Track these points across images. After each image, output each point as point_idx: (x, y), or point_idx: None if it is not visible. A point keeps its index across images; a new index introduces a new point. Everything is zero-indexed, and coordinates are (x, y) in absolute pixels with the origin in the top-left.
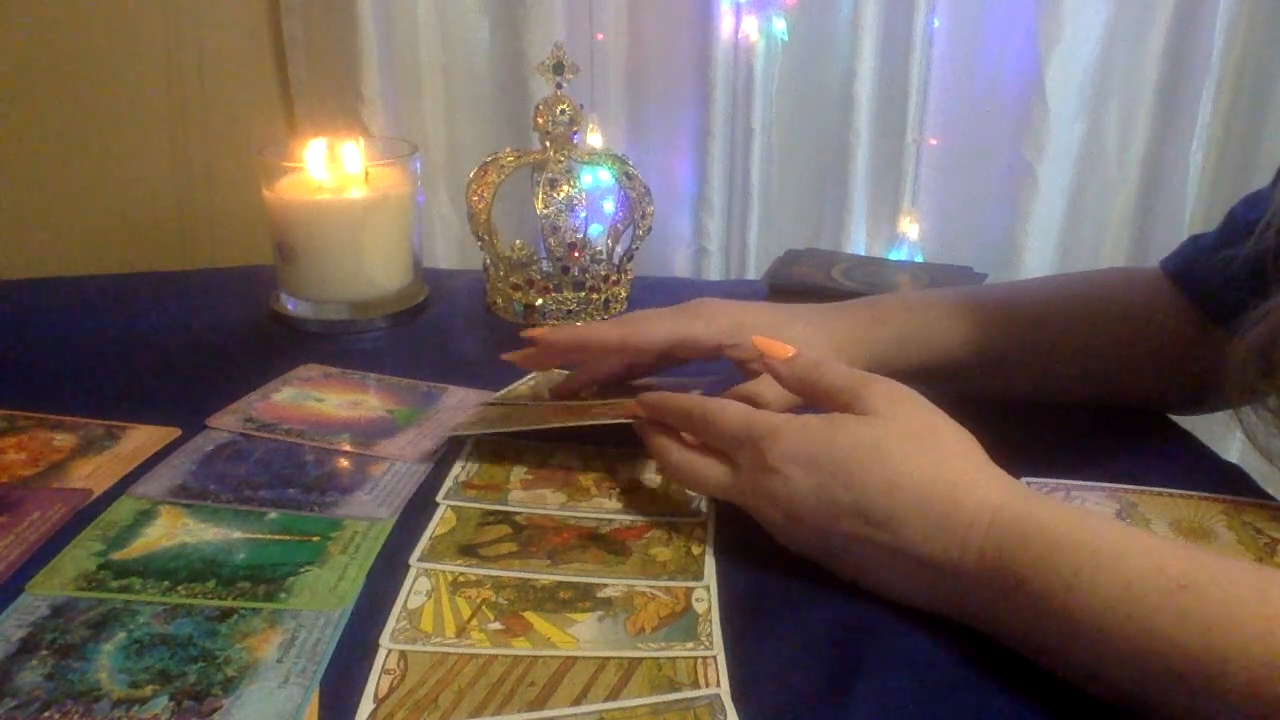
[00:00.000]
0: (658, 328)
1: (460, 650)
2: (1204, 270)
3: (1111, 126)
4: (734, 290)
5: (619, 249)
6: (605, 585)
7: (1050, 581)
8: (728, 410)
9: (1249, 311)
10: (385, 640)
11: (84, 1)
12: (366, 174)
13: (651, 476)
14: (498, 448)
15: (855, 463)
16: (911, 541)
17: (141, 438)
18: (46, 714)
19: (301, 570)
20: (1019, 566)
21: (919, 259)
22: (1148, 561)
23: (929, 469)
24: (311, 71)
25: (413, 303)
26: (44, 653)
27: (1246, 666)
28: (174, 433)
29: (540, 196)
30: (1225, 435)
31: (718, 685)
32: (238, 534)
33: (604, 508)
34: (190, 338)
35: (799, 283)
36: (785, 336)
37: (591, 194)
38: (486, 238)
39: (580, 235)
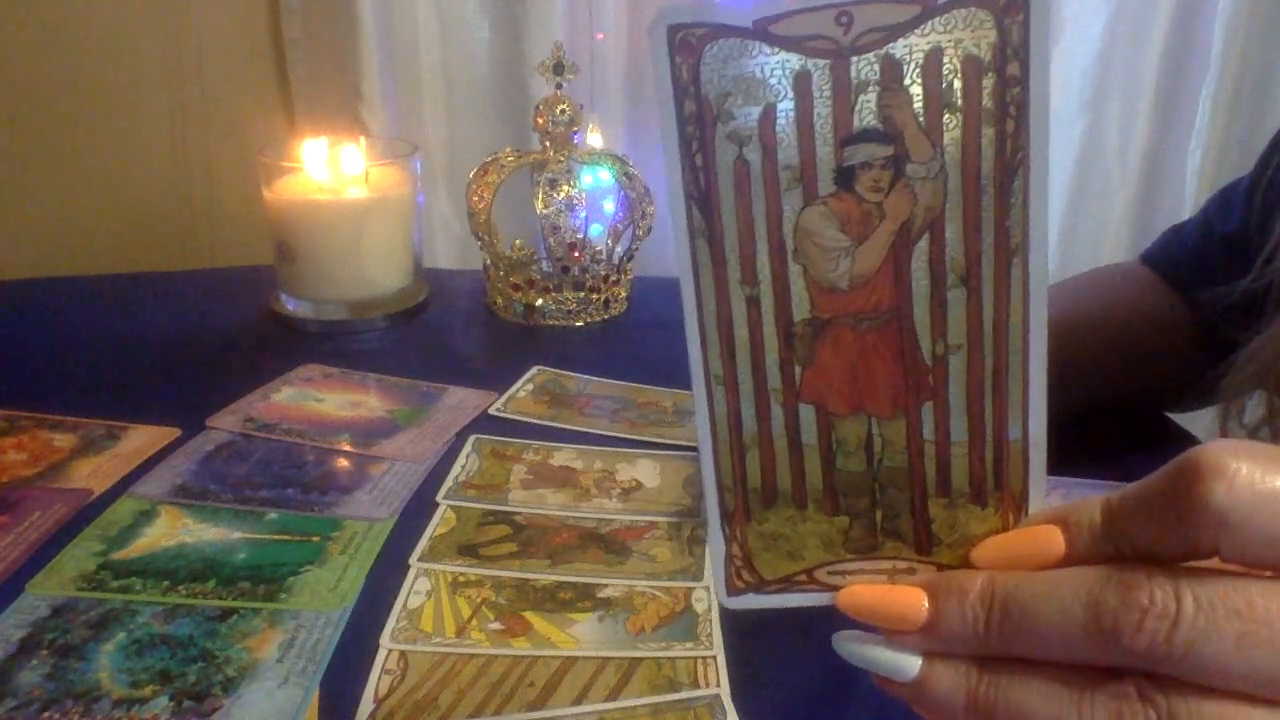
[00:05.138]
0: None
1: (460, 650)
2: (1196, 276)
3: (1111, 126)
4: None
5: (619, 249)
6: (605, 585)
7: None
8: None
9: (1242, 345)
10: (385, 640)
11: (84, 1)
12: (366, 174)
13: (652, 476)
14: (498, 448)
15: None
16: None
17: (141, 438)
18: (46, 714)
19: (301, 570)
20: None
21: None
22: None
23: None
24: (311, 71)
25: (413, 303)
26: (44, 653)
27: None
28: (174, 433)
29: (540, 196)
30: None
31: (718, 685)
32: (238, 534)
33: (604, 508)
34: (190, 338)
35: None
36: None
37: (591, 194)
38: (486, 238)
39: (580, 235)
